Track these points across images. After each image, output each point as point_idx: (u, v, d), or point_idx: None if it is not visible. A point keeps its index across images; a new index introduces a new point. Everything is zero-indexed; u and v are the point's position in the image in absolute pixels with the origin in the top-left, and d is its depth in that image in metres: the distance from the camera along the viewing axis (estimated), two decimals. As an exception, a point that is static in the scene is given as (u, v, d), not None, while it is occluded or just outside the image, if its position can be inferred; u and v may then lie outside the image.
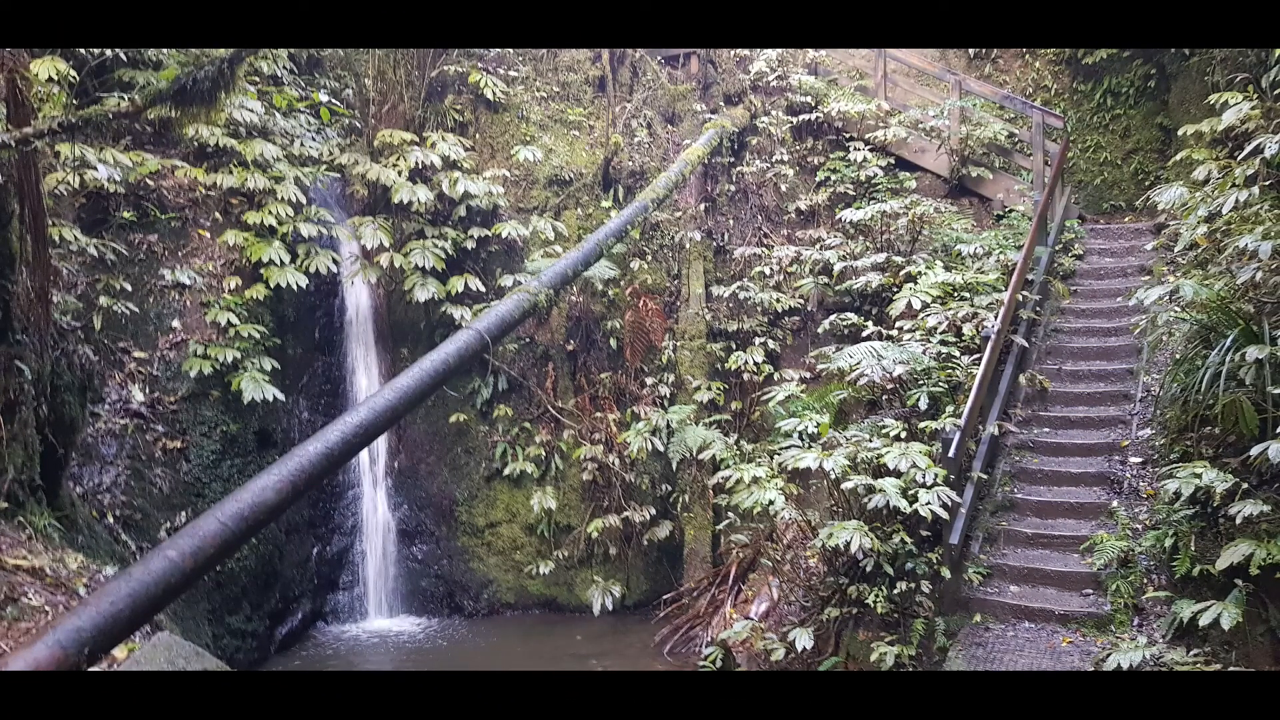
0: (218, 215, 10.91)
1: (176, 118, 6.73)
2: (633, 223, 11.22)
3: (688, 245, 12.67)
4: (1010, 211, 12.28)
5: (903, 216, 11.44)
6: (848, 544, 7.23)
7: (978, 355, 9.00)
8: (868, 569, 7.53)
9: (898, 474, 7.48)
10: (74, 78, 9.25)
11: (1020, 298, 9.73)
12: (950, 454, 7.74)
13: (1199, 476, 6.88)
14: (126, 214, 10.27)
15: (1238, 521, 6.63)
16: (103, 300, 9.70)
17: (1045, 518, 8.52)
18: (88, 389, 8.24)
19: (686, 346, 12.35)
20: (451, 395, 12.16)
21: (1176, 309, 8.43)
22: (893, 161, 13.04)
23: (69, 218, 9.75)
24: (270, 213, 10.81)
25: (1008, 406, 9.59)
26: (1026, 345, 9.94)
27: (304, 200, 11.28)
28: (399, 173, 11.85)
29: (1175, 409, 8.19)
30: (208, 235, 10.78)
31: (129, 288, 9.99)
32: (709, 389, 12.03)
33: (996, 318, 9.18)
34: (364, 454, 11.65)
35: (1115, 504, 8.22)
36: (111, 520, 9.13)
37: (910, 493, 7.33)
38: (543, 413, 12.41)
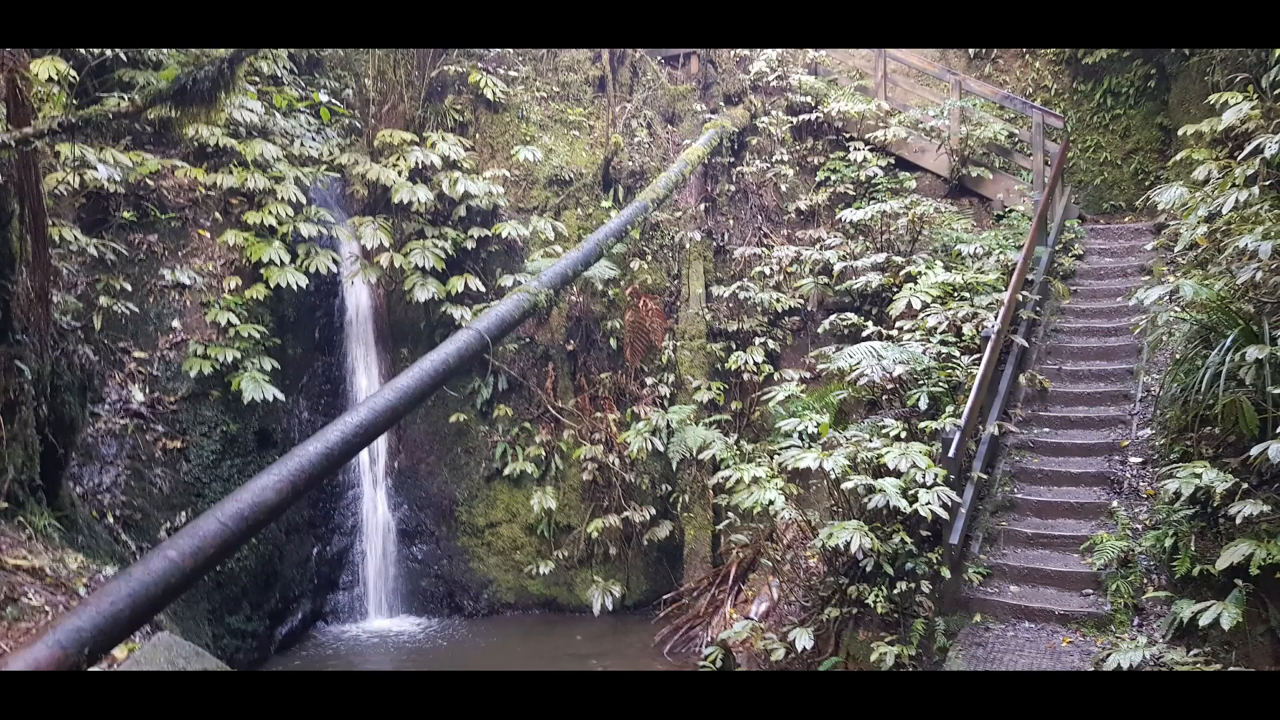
0: (218, 215, 10.91)
1: (176, 118, 6.73)
2: (633, 223, 11.22)
3: (688, 245, 12.67)
4: (1010, 211, 12.28)
5: (903, 216, 11.45)
6: (848, 544, 7.23)
7: (978, 355, 9.00)
8: (868, 569, 7.53)
9: (898, 474, 7.48)
10: (74, 78, 9.26)
11: (1020, 298, 9.73)
12: (950, 454, 7.74)
13: (1199, 476, 6.88)
14: (126, 214, 10.28)
15: (1238, 521, 6.64)
16: (103, 300, 9.70)
17: (1045, 518, 8.52)
18: (88, 389, 8.25)
19: (686, 346, 12.36)
20: (451, 395, 12.17)
21: (1176, 309, 8.43)
22: (893, 161, 13.04)
23: (69, 218, 9.76)
24: (270, 213, 10.82)
25: (1008, 406, 9.59)
26: (1026, 345, 9.94)
27: (304, 200, 11.29)
28: (399, 173, 11.86)
29: (1175, 409, 8.19)
30: (208, 235, 10.78)
31: (129, 288, 9.99)
32: (709, 389, 12.04)
33: (996, 318, 9.18)
34: (364, 454, 11.66)
35: (1115, 504, 8.22)
36: (111, 520, 9.13)
37: (910, 493, 7.33)
38: (543, 413, 12.41)
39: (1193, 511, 7.23)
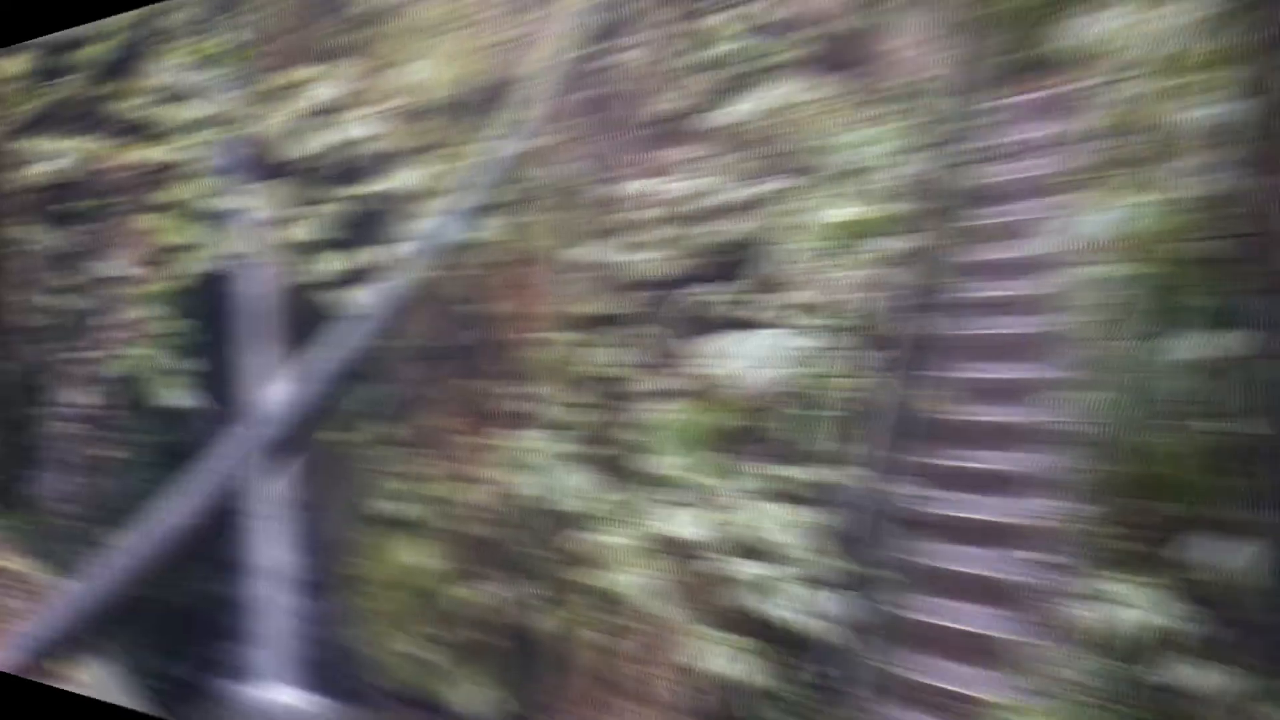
0: (134, 197, 10.56)
1: (103, 94, 7.41)
2: (506, 162, 9.50)
3: (547, 192, 10.58)
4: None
5: (797, 110, 8.75)
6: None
7: (888, 349, 6.68)
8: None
9: (764, 554, 5.96)
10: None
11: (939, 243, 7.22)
12: (839, 522, 5.72)
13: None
14: (63, 204, 9.92)
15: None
16: (44, 297, 9.51)
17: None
18: (32, 390, 8.69)
19: (544, 341, 10.55)
20: (329, 412, 11.17)
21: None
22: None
23: (12, 211, 9.57)
24: (176, 189, 10.35)
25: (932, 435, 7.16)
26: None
27: (210, 170, 10.82)
28: (288, 121, 10.80)
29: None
30: (127, 221, 10.50)
31: (66, 282, 9.71)
32: (566, 404, 10.28)
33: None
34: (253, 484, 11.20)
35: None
36: (58, 526, 9.25)
37: (777, 585, 5.86)
38: (418, 436, 11.13)
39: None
